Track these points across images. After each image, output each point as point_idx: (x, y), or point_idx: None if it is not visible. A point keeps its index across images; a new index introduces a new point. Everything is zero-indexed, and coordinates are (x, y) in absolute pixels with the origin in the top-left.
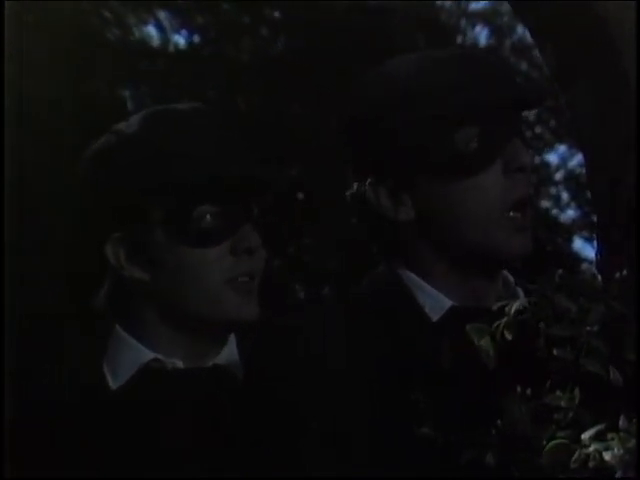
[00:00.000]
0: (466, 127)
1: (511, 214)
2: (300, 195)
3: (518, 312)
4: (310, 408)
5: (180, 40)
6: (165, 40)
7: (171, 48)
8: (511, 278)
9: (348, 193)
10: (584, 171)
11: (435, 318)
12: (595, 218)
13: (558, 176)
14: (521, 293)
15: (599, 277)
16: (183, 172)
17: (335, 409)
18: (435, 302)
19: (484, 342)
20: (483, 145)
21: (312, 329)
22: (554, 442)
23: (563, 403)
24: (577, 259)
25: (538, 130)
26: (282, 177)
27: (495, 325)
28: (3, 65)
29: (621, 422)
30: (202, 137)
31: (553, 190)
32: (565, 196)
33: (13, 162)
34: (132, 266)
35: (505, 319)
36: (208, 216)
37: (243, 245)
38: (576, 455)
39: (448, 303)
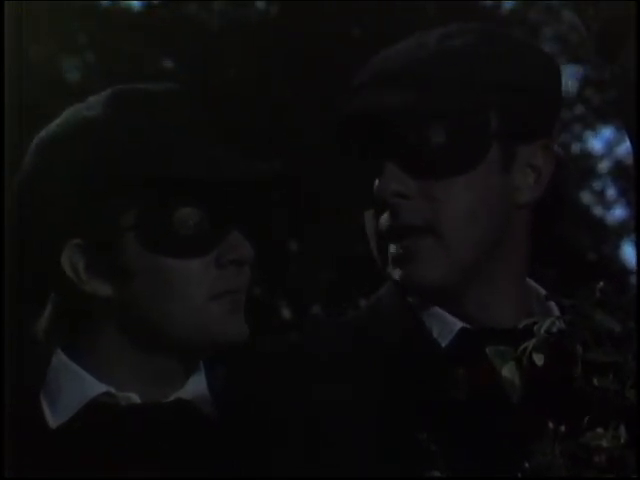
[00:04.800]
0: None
1: None
2: (283, 193)
3: (550, 332)
4: (300, 452)
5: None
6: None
7: (123, 10)
8: (542, 291)
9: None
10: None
11: (444, 343)
12: None
13: (603, 167)
14: (555, 309)
15: None
16: (160, 166)
17: (330, 453)
18: (443, 325)
19: (508, 369)
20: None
21: (303, 358)
22: None
23: (605, 443)
24: (625, 269)
25: (578, 110)
26: (279, 172)
27: (522, 348)
28: (3, 65)
29: None
30: (181, 125)
31: (597, 184)
32: (611, 192)
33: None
34: (93, 279)
35: (534, 341)
36: (191, 221)
37: (232, 256)
38: None
39: (458, 325)
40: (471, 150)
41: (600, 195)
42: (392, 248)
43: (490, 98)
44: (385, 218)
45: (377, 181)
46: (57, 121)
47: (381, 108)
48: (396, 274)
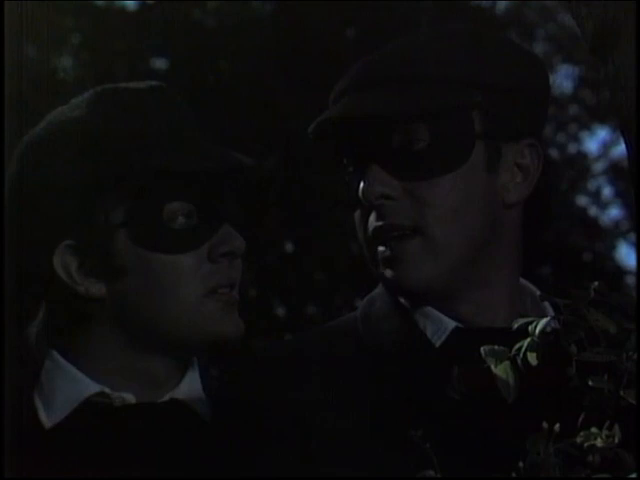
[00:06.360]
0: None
1: None
2: (278, 189)
3: (545, 332)
4: (294, 452)
5: None
6: None
7: (117, 8)
8: (537, 291)
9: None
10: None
11: (438, 343)
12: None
13: (598, 167)
14: (549, 309)
15: None
16: (146, 163)
17: (325, 453)
18: (436, 325)
19: (502, 368)
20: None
21: (297, 359)
22: None
23: (599, 442)
24: (620, 270)
25: (573, 110)
26: (263, 166)
27: (516, 348)
28: (3, 66)
29: None
30: (165, 121)
31: (592, 184)
32: (607, 192)
33: None
34: (86, 279)
35: (528, 340)
36: (181, 215)
37: (224, 249)
38: None
39: (451, 325)
40: (455, 150)
41: (595, 195)
42: (381, 249)
43: (474, 98)
44: (372, 220)
45: (362, 183)
46: (41, 124)
47: (364, 111)
48: (386, 275)
